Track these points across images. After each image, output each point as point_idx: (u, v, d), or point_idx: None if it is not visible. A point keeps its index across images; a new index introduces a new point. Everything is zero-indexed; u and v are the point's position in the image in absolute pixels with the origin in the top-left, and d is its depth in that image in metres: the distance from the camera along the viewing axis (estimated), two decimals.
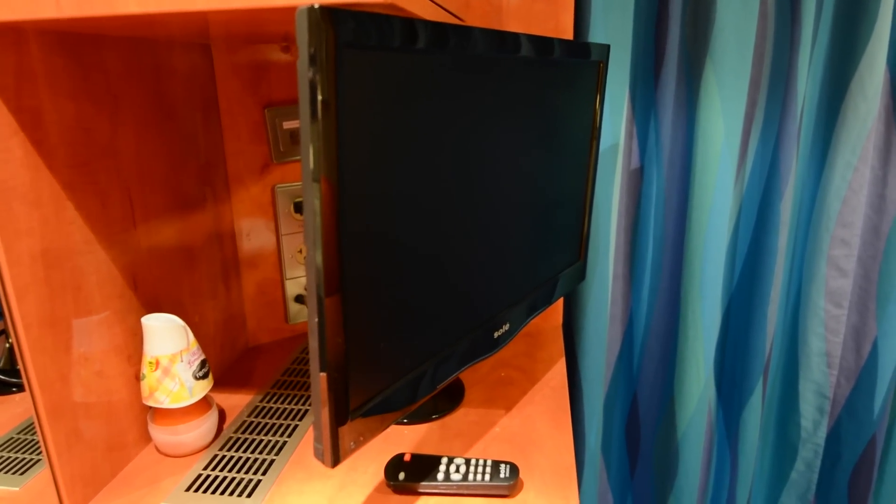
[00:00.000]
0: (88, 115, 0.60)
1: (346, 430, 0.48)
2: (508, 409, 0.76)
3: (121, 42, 0.65)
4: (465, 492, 0.61)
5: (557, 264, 0.83)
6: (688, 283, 1.06)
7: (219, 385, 0.82)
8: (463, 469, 0.62)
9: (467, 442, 0.70)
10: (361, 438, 0.50)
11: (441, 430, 0.72)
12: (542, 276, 0.79)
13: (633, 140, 1.05)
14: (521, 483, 0.63)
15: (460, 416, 0.75)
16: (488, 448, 0.69)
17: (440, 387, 0.62)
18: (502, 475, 0.61)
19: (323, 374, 0.45)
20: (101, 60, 0.62)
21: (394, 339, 0.53)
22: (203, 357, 0.67)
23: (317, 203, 0.42)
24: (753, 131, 1.01)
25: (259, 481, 0.63)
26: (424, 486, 0.61)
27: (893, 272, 1.03)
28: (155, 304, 0.70)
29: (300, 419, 0.74)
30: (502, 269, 0.68)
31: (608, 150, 1.00)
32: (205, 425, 0.67)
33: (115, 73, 0.64)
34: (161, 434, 0.66)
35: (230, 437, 0.70)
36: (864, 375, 1.09)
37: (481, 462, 0.62)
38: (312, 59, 0.40)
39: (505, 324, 0.71)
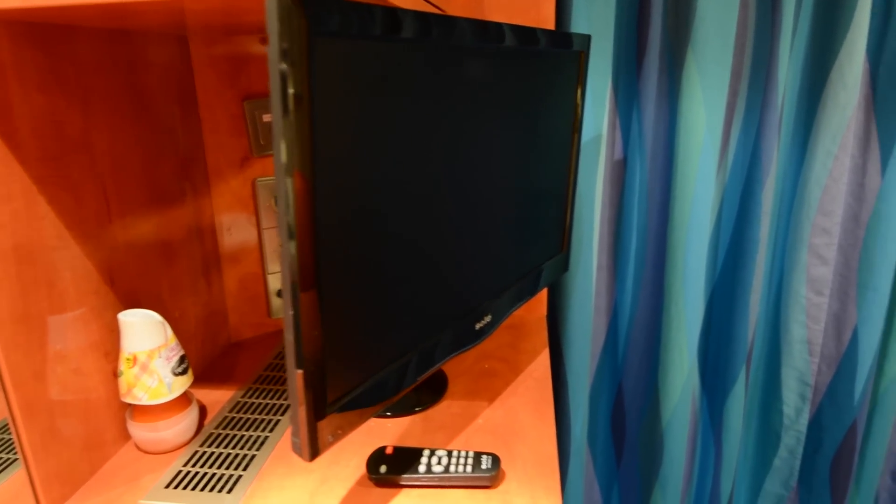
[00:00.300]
0: (60, 108, 0.59)
1: (323, 425, 0.48)
2: (491, 400, 0.76)
3: (94, 34, 0.63)
4: (447, 483, 0.61)
5: (540, 255, 0.83)
6: (671, 274, 1.06)
7: (200, 381, 0.82)
8: (445, 461, 0.62)
9: (450, 434, 0.70)
10: (340, 432, 0.50)
11: (424, 422, 0.72)
12: (525, 268, 0.79)
13: (617, 131, 1.05)
14: (504, 474, 0.63)
15: (443, 409, 0.75)
16: (471, 440, 0.69)
17: (421, 379, 0.61)
18: (484, 466, 0.61)
19: (299, 371, 0.45)
20: (72, 52, 0.61)
21: (372, 333, 0.53)
22: (182, 353, 0.67)
23: (290, 198, 0.42)
24: (735, 121, 1.02)
25: (240, 477, 0.62)
26: (406, 478, 0.61)
27: (873, 260, 1.04)
28: (133, 300, 0.70)
29: (282, 414, 0.73)
30: (484, 260, 0.68)
31: (591, 140, 1.00)
32: (184, 421, 0.66)
33: (88, 65, 0.63)
34: (140, 431, 0.65)
35: (211, 433, 0.70)
36: (844, 362, 1.10)
37: (463, 454, 0.62)
38: (284, 51, 0.40)
39: (487, 315, 0.71)
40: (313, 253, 0.44)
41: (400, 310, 0.56)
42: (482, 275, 0.68)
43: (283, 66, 0.40)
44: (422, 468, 0.61)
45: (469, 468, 0.61)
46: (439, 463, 0.61)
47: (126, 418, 0.66)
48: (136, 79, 0.70)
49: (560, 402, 1.15)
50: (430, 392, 0.78)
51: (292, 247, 0.42)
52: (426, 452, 0.63)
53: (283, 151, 0.41)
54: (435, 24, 0.53)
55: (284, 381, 0.81)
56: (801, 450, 1.17)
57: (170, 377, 0.64)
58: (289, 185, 0.42)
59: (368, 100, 0.48)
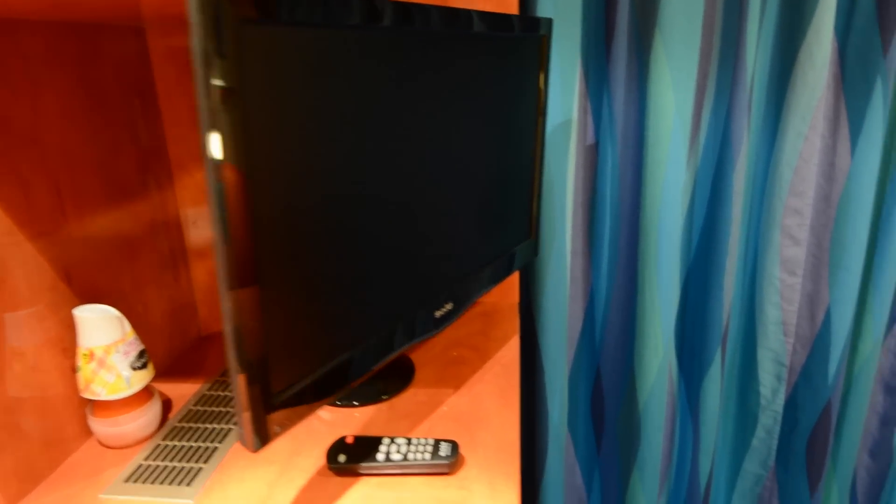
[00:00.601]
0: (6, 103, 0.58)
1: (268, 417, 0.48)
2: (458, 387, 0.77)
3: (42, 26, 0.63)
4: (406, 471, 0.61)
5: (506, 242, 0.83)
6: (644, 258, 1.06)
7: (168, 374, 0.82)
8: (404, 449, 0.62)
9: (414, 422, 0.70)
10: (287, 422, 0.50)
11: (389, 410, 0.72)
12: (489, 255, 0.79)
13: (588, 115, 1.04)
14: (463, 460, 0.63)
15: (409, 397, 0.75)
16: (434, 427, 0.69)
17: (376, 368, 0.61)
18: (442, 454, 0.61)
19: (240, 365, 0.45)
20: (18, 45, 0.60)
21: (317, 325, 0.52)
22: (142, 347, 0.66)
23: (221, 192, 0.41)
24: (706, 103, 1.01)
25: (200, 469, 0.62)
26: (365, 467, 0.61)
27: (844, 240, 1.04)
28: (92, 296, 0.69)
29: None
30: (441, 249, 0.68)
31: (561, 126, 1.00)
32: (146, 416, 0.66)
33: (36, 58, 0.62)
34: (100, 426, 0.65)
35: (174, 427, 0.70)
36: (818, 342, 1.11)
37: (422, 441, 0.63)
38: (207, 39, 0.39)
39: (447, 303, 0.70)
40: (250, 248, 0.44)
41: (346, 301, 0.55)
42: (440, 263, 0.68)
43: (206, 55, 0.39)
44: (381, 457, 0.61)
45: (428, 455, 0.61)
46: (398, 451, 0.62)
47: (87, 414, 0.66)
48: (90, 72, 0.70)
49: (536, 389, 1.15)
50: (397, 380, 0.78)
51: (226, 244, 0.42)
52: (386, 441, 0.63)
53: (210, 145, 0.41)
54: (385, 9, 0.52)
55: None
56: (777, 430, 1.17)
57: (128, 372, 0.64)
58: (219, 179, 0.41)
59: (306, 88, 0.47)
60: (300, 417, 0.51)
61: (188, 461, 0.64)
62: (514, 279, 1.02)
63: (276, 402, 0.48)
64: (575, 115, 0.99)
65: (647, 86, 0.98)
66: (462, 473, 0.61)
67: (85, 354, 0.63)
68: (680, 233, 1.03)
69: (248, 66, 0.42)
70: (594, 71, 1.01)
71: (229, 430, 0.69)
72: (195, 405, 0.74)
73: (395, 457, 0.61)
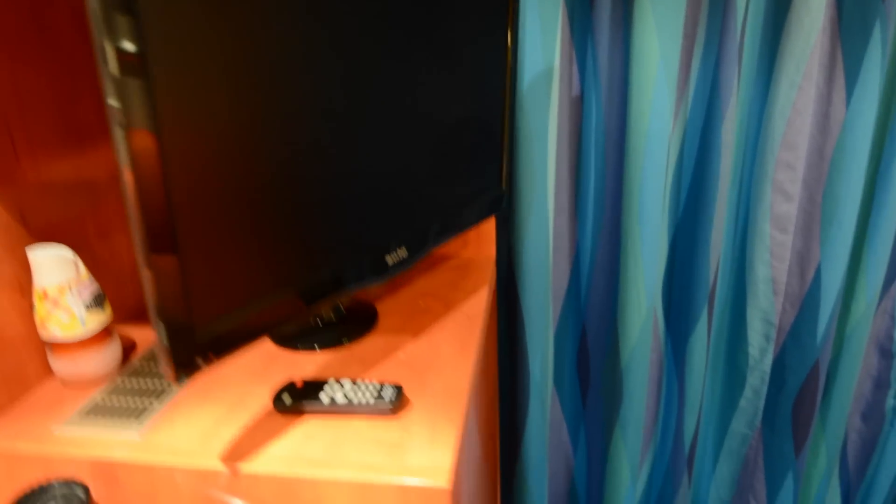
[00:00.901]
0: None
1: (190, 349, 0.48)
2: (418, 335, 0.77)
3: None
4: (349, 412, 0.62)
5: (471, 191, 0.81)
6: (627, 213, 1.04)
7: (137, 319, 0.83)
8: (349, 391, 0.62)
9: (369, 366, 0.70)
10: (212, 356, 0.50)
11: (348, 355, 0.73)
12: (451, 204, 0.78)
13: (573, 65, 1.01)
14: (409, 404, 0.63)
15: (369, 342, 0.76)
16: (388, 372, 0.69)
17: (316, 308, 0.61)
18: (386, 397, 0.61)
19: (159, 306, 0.45)
20: None
21: (241, 263, 0.52)
22: (97, 289, 0.68)
23: (126, 154, 0.41)
24: (695, 51, 0.97)
25: (151, 405, 0.64)
26: (309, 408, 0.62)
27: (837, 194, 1.00)
28: (51, 238, 0.70)
29: None
30: (391, 194, 0.67)
31: (542, 75, 0.97)
32: (103, 356, 0.68)
33: None
34: (59, 364, 0.67)
35: (135, 368, 0.71)
36: (807, 301, 1.07)
37: (367, 385, 0.63)
38: None
39: (400, 249, 0.70)
40: (159, 180, 0.44)
41: (271, 240, 0.55)
42: (389, 208, 0.67)
43: (104, 9, 0.38)
44: (325, 398, 0.62)
45: (371, 399, 0.61)
46: (343, 393, 0.62)
47: (47, 353, 0.68)
48: (44, 16, 0.69)
49: (517, 343, 1.15)
50: (359, 326, 0.78)
51: (133, 168, 0.42)
52: (332, 383, 0.64)
53: (115, 105, 0.40)
54: None
55: None
56: (765, 390, 1.15)
57: (83, 312, 0.65)
58: (124, 140, 0.41)
59: (222, 35, 0.46)
60: (226, 352, 0.51)
61: (143, 399, 0.65)
62: (490, 233, 1.01)
63: (198, 335, 0.49)
64: (557, 64, 0.96)
65: (631, 33, 0.94)
66: (406, 416, 0.62)
67: (39, 294, 0.64)
68: (663, 187, 1.00)
69: (154, 26, 0.41)
70: (579, 17, 0.97)
71: None
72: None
73: (339, 399, 0.62)
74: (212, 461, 0.56)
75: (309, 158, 0.56)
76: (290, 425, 0.61)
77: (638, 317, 1.08)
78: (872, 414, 1.17)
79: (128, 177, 0.41)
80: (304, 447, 0.58)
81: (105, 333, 0.69)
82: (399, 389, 0.62)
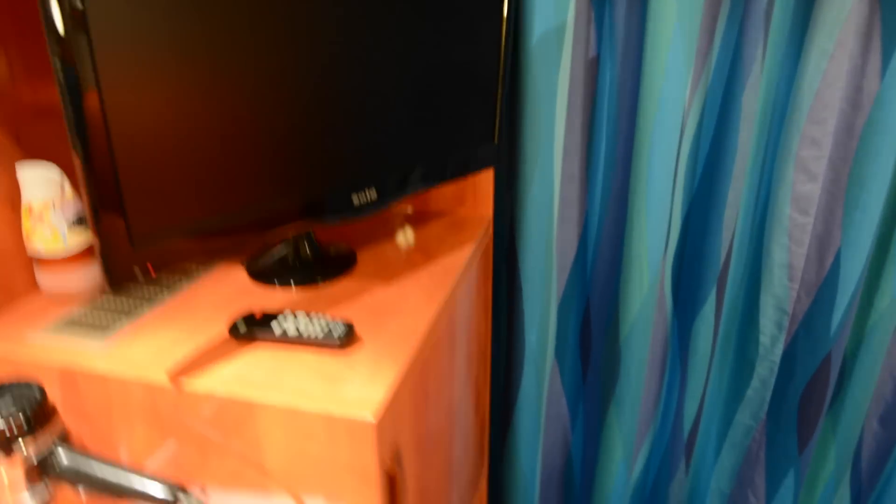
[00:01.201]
0: None
1: (127, 257, 0.50)
2: (390, 282, 0.77)
3: None
4: (298, 343, 0.63)
5: (457, 142, 0.80)
6: (635, 184, 1.00)
7: None
8: (301, 324, 0.63)
9: (333, 305, 0.71)
10: (151, 267, 0.52)
11: (318, 294, 0.74)
12: (431, 151, 0.77)
13: (591, 25, 0.97)
14: (360, 342, 0.64)
15: (342, 284, 0.76)
16: (350, 311, 0.69)
17: (269, 237, 0.62)
18: (335, 333, 0.62)
19: (95, 209, 0.47)
20: None
21: (183, 180, 0.53)
22: (82, 210, 0.71)
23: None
24: (720, 15, 0.91)
25: (120, 321, 0.67)
26: (261, 337, 0.63)
27: (863, 176, 0.93)
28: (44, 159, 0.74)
29: (192, 277, 0.77)
30: (360, 133, 0.66)
31: (552, 32, 0.93)
32: (84, 273, 0.71)
33: None
34: (42, 278, 0.71)
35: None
36: (824, 289, 1.01)
37: (321, 320, 0.63)
38: None
39: (369, 189, 0.70)
40: (96, 87, 0.45)
41: (221, 162, 0.56)
42: (357, 146, 0.67)
43: None
44: (277, 329, 0.63)
45: (321, 333, 0.62)
46: (295, 326, 0.63)
47: (34, 267, 0.72)
48: None
49: (514, 308, 1.13)
50: (335, 268, 0.79)
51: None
52: (287, 315, 0.65)
53: (59, 68, 0.41)
54: None
55: None
56: (773, 381, 1.10)
57: (65, 230, 0.68)
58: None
59: None
60: (166, 265, 0.53)
61: (115, 315, 0.68)
62: (487, 192, 0.99)
63: (136, 244, 0.50)
64: (571, 21, 0.93)
65: None
66: (354, 353, 0.62)
67: (25, 209, 0.67)
68: (675, 160, 0.96)
69: None
70: None
71: (165, 293, 0.73)
72: None
73: (291, 330, 0.63)
74: (160, 376, 0.58)
75: (268, 80, 0.56)
76: (239, 351, 0.62)
77: (640, 292, 1.04)
78: (892, 417, 1.10)
79: (58, 65, 0.43)
80: (247, 372, 0.59)
81: (87, 253, 0.72)
82: (350, 327, 0.63)
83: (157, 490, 0.56)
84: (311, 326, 0.63)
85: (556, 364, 1.20)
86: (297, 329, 0.62)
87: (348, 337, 0.62)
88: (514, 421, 1.22)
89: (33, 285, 0.74)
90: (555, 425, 1.26)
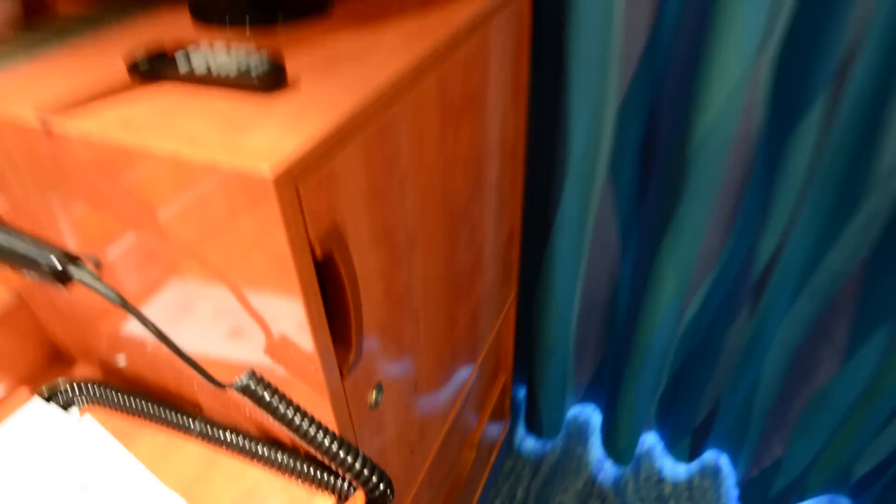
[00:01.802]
0: None
1: None
2: (366, 26, 0.57)
3: None
4: (208, 83, 0.47)
5: None
6: None
7: None
8: (215, 60, 0.47)
9: (285, 49, 0.54)
10: None
11: (273, 39, 0.56)
12: None
13: None
14: (294, 85, 0.47)
15: (308, 26, 0.58)
16: (302, 58, 0.52)
17: None
18: (254, 71, 0.45)
19: None
20: None
21: None
22: None
23: None
24: None
25: (20, 53, 0.53)
26: (166, 75, 0.48)
27: None
28: None
29: (122, 18, 0.61)
30: None
31: None
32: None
33: None
34: None
35: (36, 24, 0.60)
36: None
37: (244, 56, 0.46)
38: None
39: None
40: None
41: None
42: None
43: None
44: (183, 66, 0.47)
45: (234, 71, 0.45)
46: (206, 63, 0.47)
47: None
48: None
49: (558, 102, 0.92)
50: (303, 6, 0.60)
51: None
52: (203, 48, 0.48)
53: None
54: None
55: None
56: (883, 217, 0.86)
57: None
58: None
59: None
60: None
61: (19, 48, 0.55)
62: None
63: None
64: None
65: None
66: (279, 100, 0.45)
67: None
68: None
69: None
70: None
71: (80, 29, 0.58)
72: None
73: (200, 67, 0.46)
74: (27, 112, 0.45)
75: None
76: (137, 92, 0.47)
77: (726, 82, 0.79)
78: None
79: None
80: (136, 114, 0.44)
81: None
82: (276, 66, 0.46)
83: (41, 256, 0.45)
84: (228, 64, 0.46)
85: (609, 180, 1.01)
86: (208, 65, 0.46)
87: (271, 77, 0.45)
88: (551, 244, 1.06)
89: None
90: (602, 256, 1.10)
